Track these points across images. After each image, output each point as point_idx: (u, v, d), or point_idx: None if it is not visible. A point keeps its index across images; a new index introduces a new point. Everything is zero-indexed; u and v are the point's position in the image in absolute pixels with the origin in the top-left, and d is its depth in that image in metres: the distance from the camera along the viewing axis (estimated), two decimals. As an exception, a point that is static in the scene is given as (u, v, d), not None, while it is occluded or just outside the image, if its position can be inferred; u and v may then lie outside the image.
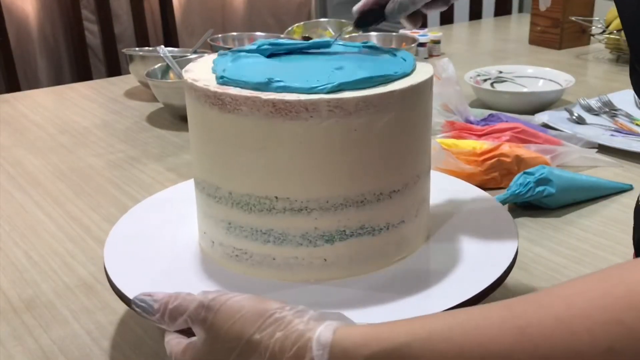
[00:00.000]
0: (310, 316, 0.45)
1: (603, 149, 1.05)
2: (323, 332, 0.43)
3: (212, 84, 0.58)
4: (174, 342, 0.51)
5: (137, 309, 0.52)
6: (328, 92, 0.55)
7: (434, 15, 2.43)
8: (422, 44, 1.64)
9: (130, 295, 0.55)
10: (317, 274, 0.60)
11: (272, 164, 0.57)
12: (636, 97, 1.26)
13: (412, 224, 0.63)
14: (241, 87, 0.57)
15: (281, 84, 0.56)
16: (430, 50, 1.69)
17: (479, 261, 0.62)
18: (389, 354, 0.41)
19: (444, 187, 0.75)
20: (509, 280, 0.73)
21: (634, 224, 0.64)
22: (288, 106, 0.54)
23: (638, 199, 0.64)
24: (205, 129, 0.60)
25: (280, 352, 0.44)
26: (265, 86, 0.56)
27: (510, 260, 0.61)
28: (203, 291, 0.50)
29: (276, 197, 0.57)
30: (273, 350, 0.44)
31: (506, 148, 0.96)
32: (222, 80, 0.58)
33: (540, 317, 0.38)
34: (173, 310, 0.50)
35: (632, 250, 0.67)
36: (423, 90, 0.60)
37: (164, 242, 0.67)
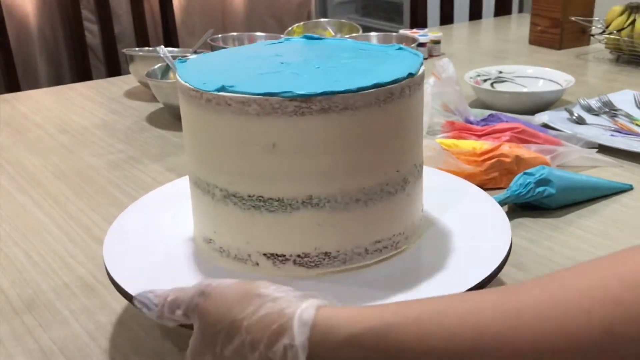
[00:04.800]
0: (294, 295, 0.44)
1: (603, 149, 1.05)
2: (305, 310, 0.42)
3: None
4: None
5: (138, 305, 0.51)
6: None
7: (434, 15, 2.43)
8: (422, 44, 1.64)
9: (129, 289, 0.56)
10: (309, 270, 0.60)
11: (264, 162, 0.57)
12: (636, 96, 1.26)
13: (405, 220, 0.63)
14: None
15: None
16: (430, 50, 1.69)
17: (471, 258, 0.63)
18: (373, 334, 0.40)
19: (437, 183, 0.76)
20: (509, 280, 0.73)
21: None
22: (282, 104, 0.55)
23: None
24: (197, 128, 0.61)
25: (262, 329, 0.43)
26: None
27: (503, 256, 0.61)
28: (198, 282, 0.49)
29: (264, 197, 0.58)
30: (255, 328, 0.43)
31: (506, 148, 0.96)
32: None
33: (535, 297, 0.37)
34: (171, 302, 0.49)
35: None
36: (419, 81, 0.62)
37: (163, 238, 0.68)
